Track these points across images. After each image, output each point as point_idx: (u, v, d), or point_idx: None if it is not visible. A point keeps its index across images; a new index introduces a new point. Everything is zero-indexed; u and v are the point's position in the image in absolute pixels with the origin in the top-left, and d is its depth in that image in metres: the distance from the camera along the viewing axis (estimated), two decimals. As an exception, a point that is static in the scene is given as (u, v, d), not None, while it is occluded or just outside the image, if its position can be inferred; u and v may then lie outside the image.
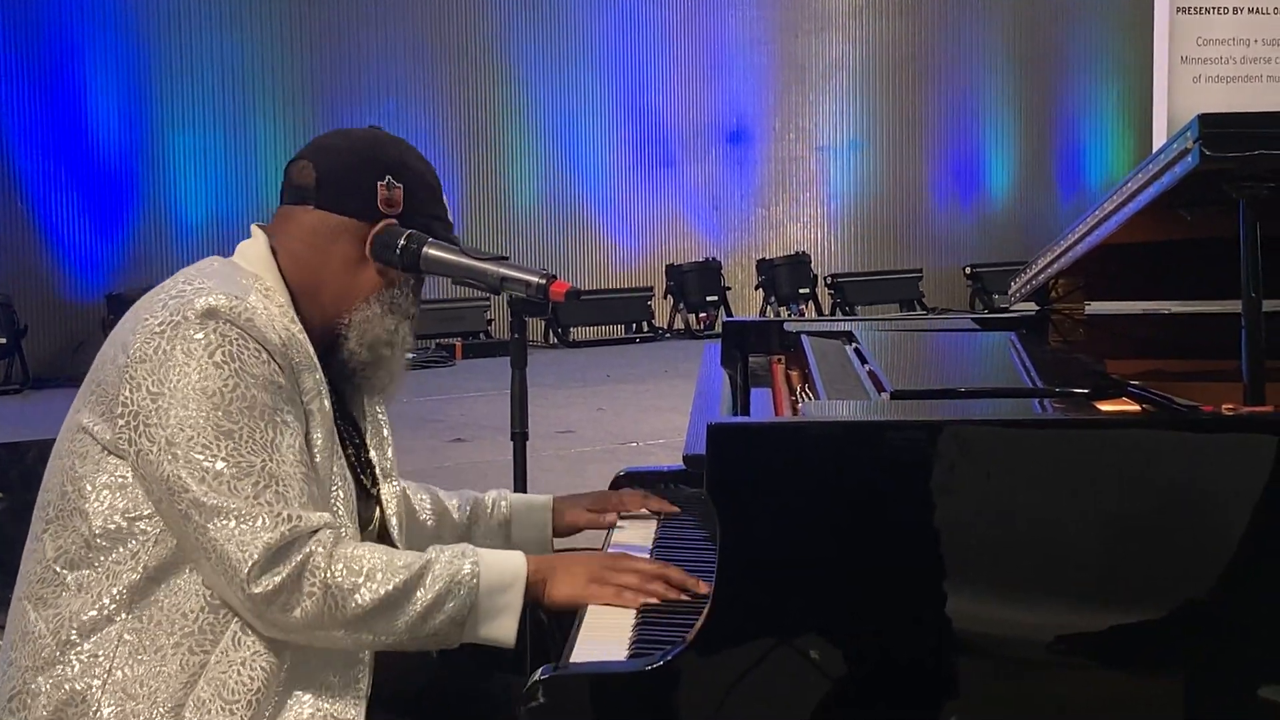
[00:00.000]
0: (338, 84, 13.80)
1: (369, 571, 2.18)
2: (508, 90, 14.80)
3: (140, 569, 2.20)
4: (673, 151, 15.79)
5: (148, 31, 12.75)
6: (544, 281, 2.54)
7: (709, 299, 15.13)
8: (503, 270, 2.52)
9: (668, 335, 15.06)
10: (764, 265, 15.70)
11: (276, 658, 2.21)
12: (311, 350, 2.30)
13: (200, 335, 2.16)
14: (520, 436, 2.71)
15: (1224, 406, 2.25)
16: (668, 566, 2.34)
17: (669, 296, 15.19)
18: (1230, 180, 2.30)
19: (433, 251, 2.48)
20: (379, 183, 2.36)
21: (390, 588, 2.18)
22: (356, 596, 2.16)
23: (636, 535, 2.69)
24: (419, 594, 2.20)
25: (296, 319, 2.31)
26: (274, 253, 2.36)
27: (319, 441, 2.28)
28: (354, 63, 13.67)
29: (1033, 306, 3.47)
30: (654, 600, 2.28)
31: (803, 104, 16.64)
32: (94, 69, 12.58)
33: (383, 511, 2.50)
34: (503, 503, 2.76)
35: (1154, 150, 2.57)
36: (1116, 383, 2.66)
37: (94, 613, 2.20)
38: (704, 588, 2.25)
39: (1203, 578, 2.10)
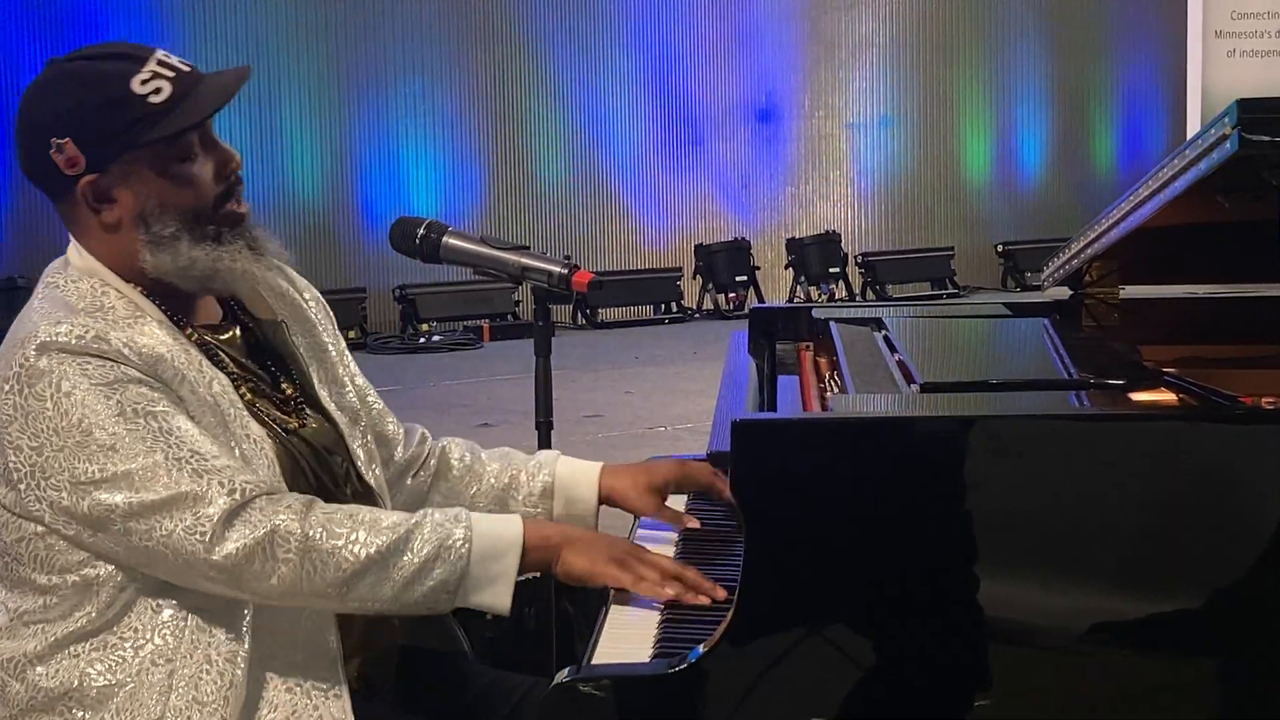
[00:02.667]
0: (363, 64, 13.76)
1: (349, 534, 2.10)
2: (535, 69, 14.75)
3: (99, 608, 2.16)
4: (701, 130, 15.72)
5: (170, 12, 12.72)
6: (565, 271, 2.49)
7: (738, 279, 15.06)
8: (524, 260, 2.49)
9: (697, 316, 15.01)
10: (794, 244, 15.62)
11: (241, 645, 2.16)
12: (163, 330, 2.21)
13: (47, 378, 2.09)
14: (545, 425, 2.66)
15: (1264, 400, 2.20)
16: (686, 568, 2.27)
17: (698, 277, 15.13)
18: (1270, 166, 2.25)
19: (452, 241, 2.46)
20: (50, 152, 2.19)
21: (373, 550, 2.11)
22: (337, 560, 2.09)
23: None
24: (405, 558, 2.12)
25: (139, 296, 2.23)
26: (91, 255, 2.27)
27: (206, 422, 2.18)
28: (380, 42, 13.63)
29: (1066, 290, 3.40)
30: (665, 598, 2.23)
31: (832, 81, 16.54)
32: (119, 51, 12.53)
33: (328, 437, 2.38)
34: (543, 474, 2.60)
35: (1188, 126, 2.52)
36: (1152, 372, 2.61)
37: (48, 646, 2.16)
38: (721, 594, 2.21)
39: (1241, 574, 2.04)
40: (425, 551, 2.13)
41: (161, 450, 2.07)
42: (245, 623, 2.16)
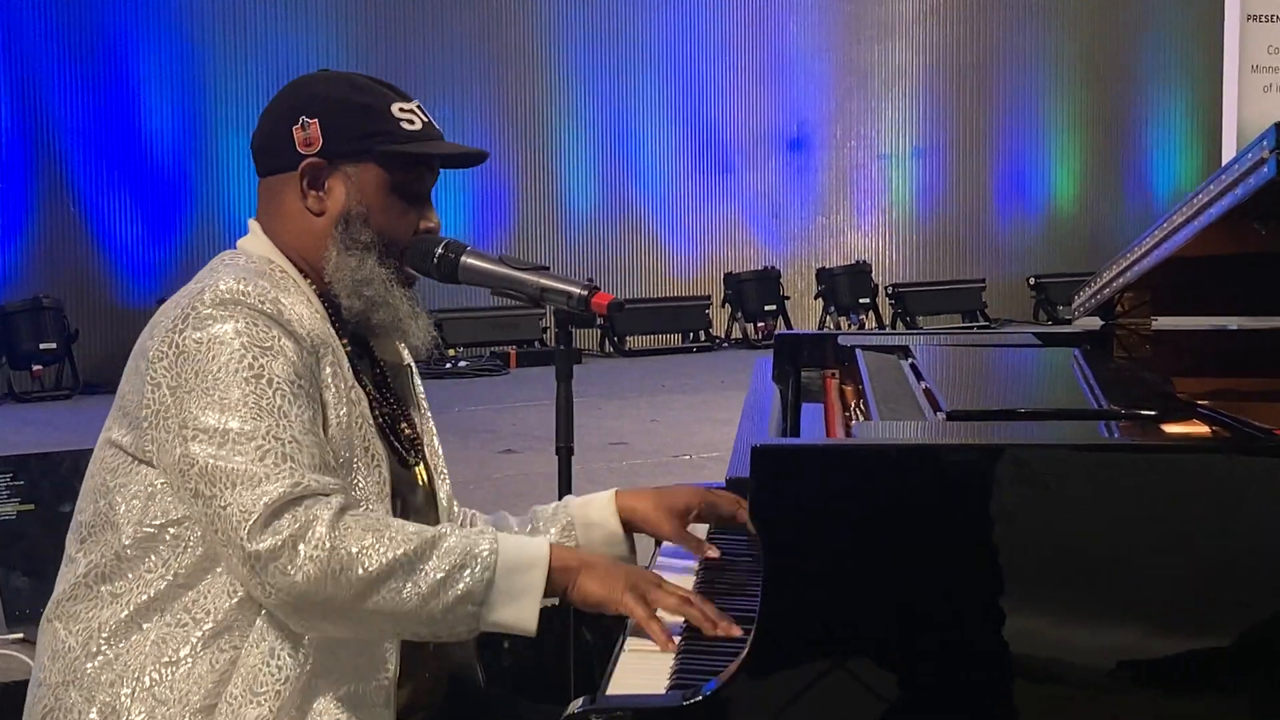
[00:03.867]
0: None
1: (376, 534, 2.11)
2: (565, 94, 14.77)
3: (170, 575, 2.19)
4: (731, 158, 15.71)
5: (202, 33, 12.76)
6: (585, 293, 2.46)
7: (767, 308, 15.00)
8: (543, 281, 2.45)
9: (725, 345, 14.94)
10: (824, 274, 15.57)
11: (302, 646, 2.18)
12: (330, 329, 2.30)
13: (211, 322, 2.17)
14: (565, 450, 2.61)
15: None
16: (706, 603, 2.23)
17: (727, 305, 15.07)
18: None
19: (470, 261, 2.43)
20: (293, 127, 2.32)
21: (400, 552, 2.10)
22: (363, 559, 2.09)
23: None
24: (431, 563, 2.12)
25: (314, 298, 2.33)
26: (271, 237, 2.37)
27: (338, 421, 2.24)
28: (410, 66, 13.65)
29: (1097, 321, 3.38)
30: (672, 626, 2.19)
31: (864, 111, 16.51)
32: (148, 70, 12.57)
33: (428, 483, 2.45)
34: (562, 514, 2.59)
35: (1222, 160, 2.48)
36: (1185, 404, 2.55)
37: (121, 621, 2.19)
38: (737, 631, 2.16)
39: (1274, 609, 1.99)
40: (452, 559, 2.12)
41: (267, 423, 2.11)
42: (309, 638, 2.18)
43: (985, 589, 1.98)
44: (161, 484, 2.19)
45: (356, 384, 2.30)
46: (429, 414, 2.55)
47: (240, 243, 2.39)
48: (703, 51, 15.53)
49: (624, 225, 15.14)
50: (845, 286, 15.39)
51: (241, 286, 2.20)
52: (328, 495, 2.12)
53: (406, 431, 2.43)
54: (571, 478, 2.64)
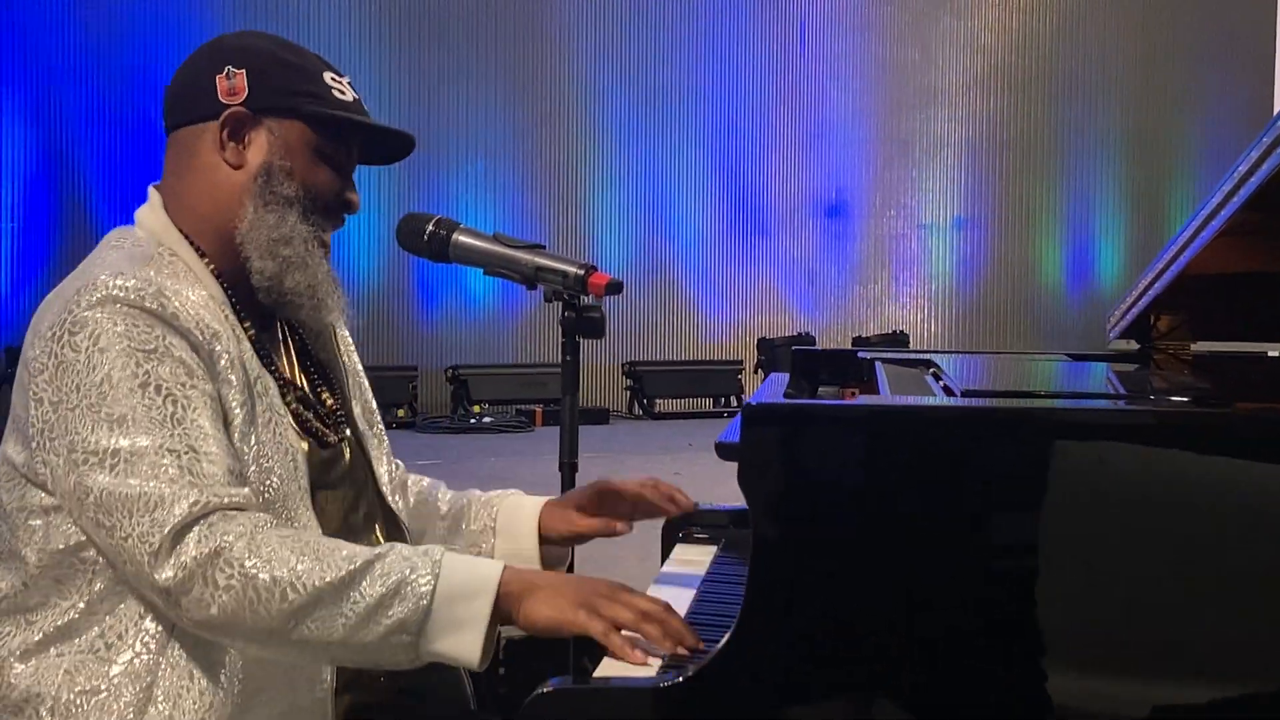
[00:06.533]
0: (425, 142, 13.75)
1: (301, 557, 1.89)
2: (601, 153, 14.74)
3: (83, 604, 2.02)
4: (768, 223, 15.63)
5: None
6: (582, 272, 2.32)
7: (801, 375, 14.78)
8: (538, 259, 2.32)
9: (757, 410, 14.72)
10: (859, 342, 15.35)
11: (224, 669, 2.01)
12: (228, 315, 2.10)
13: (90, 328, 1.98)
14: (569, 467, 2.43)
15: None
16: (671, 612, 1.99)
17: (759, 371, 14.89)
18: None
19: (462, 239, 2.33)
20: (218, 76, 2.16)
21: (326, 579, 1.88)
22: (284, 587, 1.88)
23: (692, 566, 2.52)
24: (361, 589, 1.89)
25: (211, 281, 2.12)
26: (166, 207, 2.17)
27: (240, 413, 2.05)
28: (443, 123, 13.66)
29: (1134, 344, 3.23)
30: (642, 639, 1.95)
31: (905, 180, 16.38)
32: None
33: (356, 455, 2.27)
34: (490, 508, 2.44)
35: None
36: (1223, 398, 2.33)
37: (33, 645, 2.04)
38: (700, 644, 1.94)
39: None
40: (383, 586, 1.90)
41: (160, 437, 1.94)
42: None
43: (984, 561, 1.81)
44: (54, 505, 2.01)
45: (264, 371, 2.13)
46: (361, 374, 2.39)
47: (138, 213, 2.19)
48: (742, 115, 15.48)
49: (656, 286, 15.06)
50: (882, 356, 15.17)
51: (120, 282, 2.00)
52: (236, 511, 1.94)
53: (329, 402, 2.27)
54: None
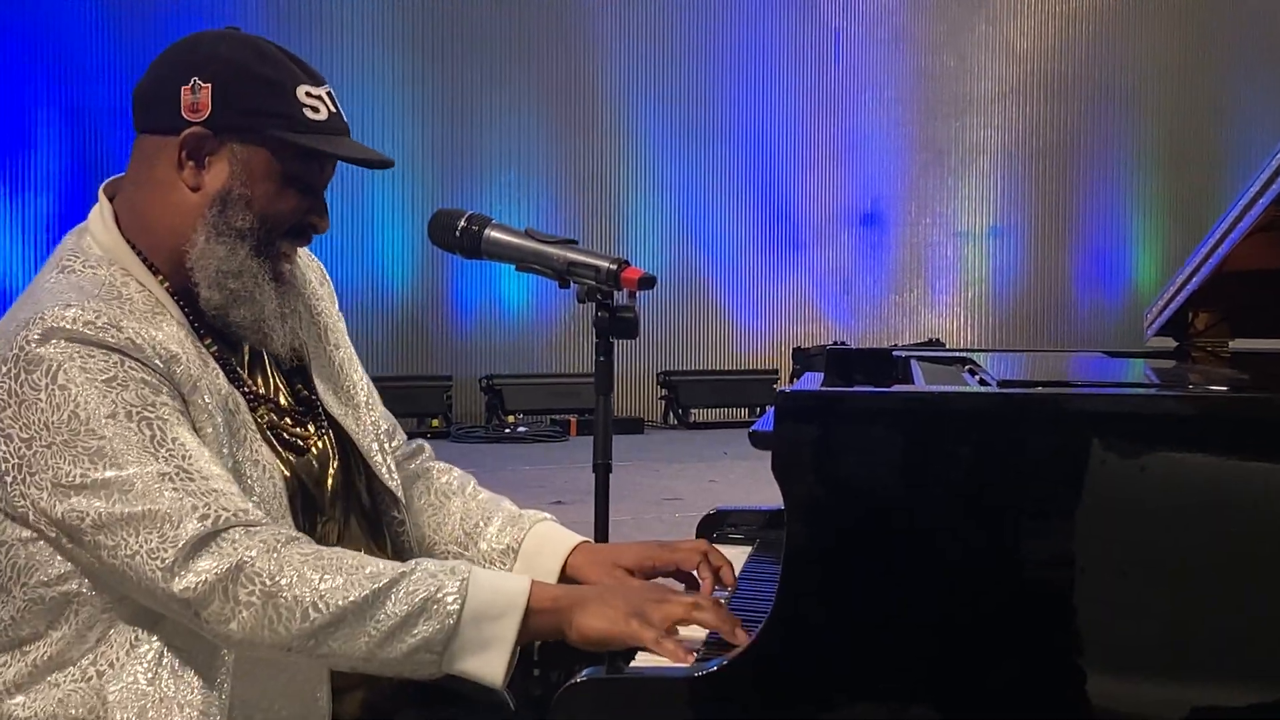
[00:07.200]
0: (458, 153, 13.82)
1: (322, 579, 1.88)
2: (634, 162, 14.74)
3: (71, 632, 2.00)
4: (802, 232, 15.57)
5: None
6: (614, 267, 2.32)
7: (837, 384, 14.71)
8: (570, 254, 2.32)
9: (793, 420, 14.66)
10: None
11: (218, 694, 1.99)
12: (188, 335, 2.05)
13: (46, 365, 1.94)
14: (603, 468, 2.43)
15: None
16: (718, 603, 2.00)
17: (794, 380, 14.79)
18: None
19: (494, 234, 2.31)
20: (183, 87, 2.05)
21: (348, 600, 1.88)
22: (304, 609, 1.87)
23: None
24: (386, 609, 1.89)
25: (166, 299, 2.07)
26: (118, 219, 2.10)
27: (213, 434, 2.01)
28: (477, 130, 13.66)
29: (1171, 342, 3.24)
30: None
31: (940, 188, 16.29)
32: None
33: (337, 451, 2.22)
34: (513, 530, 2.36)
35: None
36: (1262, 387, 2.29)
37: (26, 676, 2.02)
38: (743, 639, 1.93)
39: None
40: (409, 605, 1.90)
41: (149, 460, 1.91)
42: (225, 669, 1.98)
43: (1020, 551, 1.80)
44: (32, 538, 1.98)
45: (233, 389, 2.08)
46: (346, 352, 2.34)
47: (91, 224, 2.12)
48: (776, 124, 15.44)
49: (691, 296, 15.02)
50: (918, 365, 15.09)
51: (70, 313, 1.95)
52: (255, 525, 1.91)
53: (303, 393, 2.24)
54: (609, 495, 2.46)
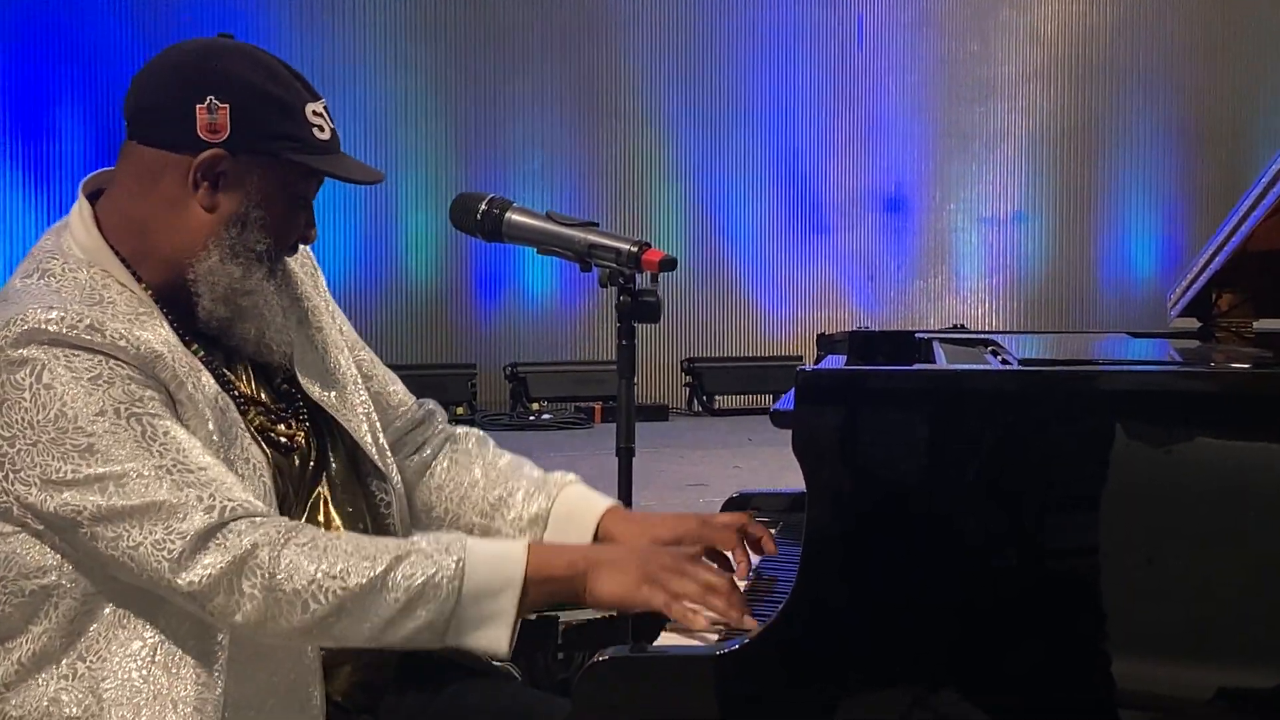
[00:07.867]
0: (482, 138, 13.80)
1: (322, 569, 1.90)
2: (658, 149, 14.70)
3: (52, 627, 2.01)
4: (827, 218, 15.51)
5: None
6: (635, 249, 2.34)
7: (861, 370, 14.70)
8: (591, 236, 2.34)
9: (818, 406, 14.63)
10: (920, 337, 15.24)
11: (212, 691, 2.00)
12: (171, 339, 2.04)
13: (27, 367, 1.94)
14: (626, 451, 2.48)
15: None
16: (734, 588, 2.00)
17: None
18: None
19: (515, 217, 2.35)
20: (198, 106, 2.05)
21: (347, 589, 1.90)
22: (306, 598, 1.90)
23: None
24: (385, 597, 1.91)
25: (146, 298, 2.06)
26: (98, 220, 2.09)
27: (201, 433, 2.02)
28: (500, 117, 13.63)
29: (1195, 323, 3.21)
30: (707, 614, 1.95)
31: (965, 173, 16.22)
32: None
33: (335, 439, 2.23)
34: (540, 497, 2.36)
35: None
36: None
37: (13, 675, 2.03)
38: (752, 624, 1.94)
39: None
40: (406, 591, 1.92)
41: (143, 456, 1.92)
42: (219, 665, 1.99)
43: (1043, 532, 1.79)
44: (14, 531, 2.00)
45: (220, 390, 2.09)
46: (331, 334, 2.32)
47: (72, 224, 2.11)
48: (799, 110, 15.38)
49: (715, 282, 14.98)
50: (943, 350, 15.05)
51: (54, 315, 1.96)
52: (258, 517, 1.93)
53: (284, 387, 2.23)
54: (632, 480, 2.51)
